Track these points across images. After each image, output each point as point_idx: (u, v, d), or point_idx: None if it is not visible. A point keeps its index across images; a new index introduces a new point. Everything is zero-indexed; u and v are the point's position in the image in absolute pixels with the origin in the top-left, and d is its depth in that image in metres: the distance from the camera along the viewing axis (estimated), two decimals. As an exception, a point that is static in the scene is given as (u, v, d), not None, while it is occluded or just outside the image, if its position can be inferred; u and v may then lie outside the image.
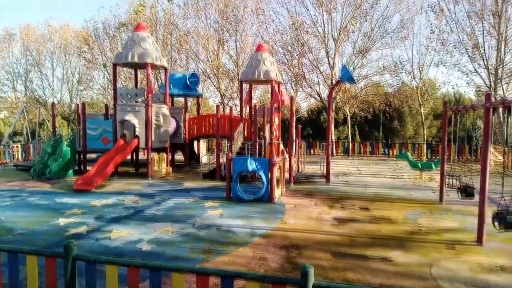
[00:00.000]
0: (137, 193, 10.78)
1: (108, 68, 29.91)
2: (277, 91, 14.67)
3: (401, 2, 25.23)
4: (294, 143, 13.54)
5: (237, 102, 25.19)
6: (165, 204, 9.27)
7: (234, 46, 28.14)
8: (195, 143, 18.49)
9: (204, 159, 17.94)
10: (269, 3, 29.01)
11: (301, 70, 26.36)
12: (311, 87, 27.15)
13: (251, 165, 9.75)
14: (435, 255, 5.77)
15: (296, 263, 5.34)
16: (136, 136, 13.81)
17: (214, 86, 28.83)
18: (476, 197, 7.06)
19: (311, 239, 6.51)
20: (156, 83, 26.20)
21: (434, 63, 25.39)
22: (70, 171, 13.75)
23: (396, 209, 8.89)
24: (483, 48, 21.99)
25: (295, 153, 13.98)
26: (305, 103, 33.94)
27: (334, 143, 24.58)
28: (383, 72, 26.05)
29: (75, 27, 36.88)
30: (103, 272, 3.29)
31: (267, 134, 13.81)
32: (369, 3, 24.48)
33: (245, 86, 16.10)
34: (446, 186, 9.23)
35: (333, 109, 27.27)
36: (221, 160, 13.66)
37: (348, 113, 28.21)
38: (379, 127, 34.02)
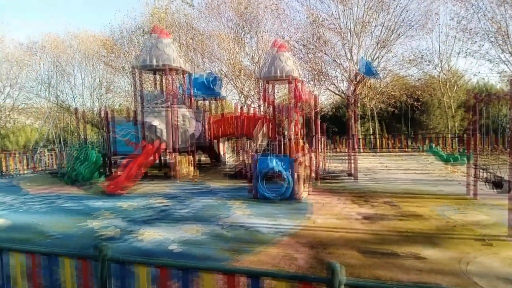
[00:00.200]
0: (165, 195, 10.99)
1: (128, 72, 30.68)
2: (299, 89, 14.60)
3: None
4: (318, 141, 13.43)
5: (259, 102, 25.23)
6: (192, 205, 9.41)
7: (253, 46, 28.24)
8: (219, 144, 18.66)
9: (228, 159, 18.07)
10: (288, 1, 28.87)
11: (322, 67, 26.09)
12: (334, 84, 26.83)
13: (276, 164, 9.75)
14: (468, 250, 5.58)
15: (324, 261, 5.30)
16: (163, 140, 14.09)
17: (235, 86, 29.02)
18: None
19: (339, 237, 6.44)
20: (181, 87, 26.64)
21: (462, 54, 24.57)
22: (97, 174, 14.19)
23: (427, 205, 8.65)
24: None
25: (320, 151, 13.87)
26: (328, 101, 33.57)
27: (360, 139, 24.19)
28: (408, 65, 25.41)
29: (94, 33, 37.87)
30: (134, 273, 3.38)
31: (290, 132, 13.76)
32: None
33: (267, 85, 16.11)
34: (480, 180, 8.91)
35: (358, 105, 26.83)
36: (245, 160, 13.73)
37: (374, 109, 27.68)
38: (407, 121, 33.19)
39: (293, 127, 13.57)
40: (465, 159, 13.48)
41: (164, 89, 16.77)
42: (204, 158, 19.74)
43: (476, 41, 22.67)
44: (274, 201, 9.56)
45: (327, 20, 25.03)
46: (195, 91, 17.21)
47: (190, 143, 15.10)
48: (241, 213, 8.41)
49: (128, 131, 15.00)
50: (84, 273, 3.55)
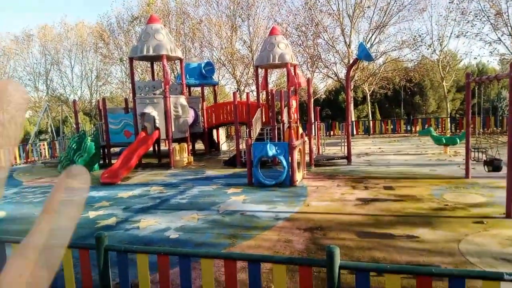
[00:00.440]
0: (161, 183, 11.01)
1: (124, 62, 30.33)
2: (293, 74, 14.53)
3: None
4: (313, 125, 13.46)
5: (253, 87, 25.13)
6: (189, 193, 9.45)
7: (247, 31, 27.94)
8: (214, 131, 18.63)
9: (224, 146, 18.08)
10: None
11: (316, 51, 25.95)
12: (327, 67, 26.74)
13: (271, 150, 9.78)
14: (462, 230, 5.68)
15: (321, 244, 5.38)
16: (157, 128, 14.03)
17: (230, 73, 28.80)
18: (504, 170, 6.87)
19: (335, 220, 6.52)
20: (172, 74, 26.39)
21: (455, 34, 24.52)
22: (96, 165, 14.15)
23: (421, 186, 8.77)
24: (506, 14, 21.02)
25: (315, 135, 13.91)
26: (322, 84, 33.57)
27: (354, 122, 24.26)
28: (402, 46, 25.35)
29: (89, 24, 37.42)
30: (134, 261, 3.42)
31: (285, 118, 13.76)
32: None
33: (261, 71, 15.99)
34: (472, 160, 9.02)
35: (352, 88, 26.83)
36: (240, 146, 13.75)
37: (368, 91, 27.70)
38: (400, 103, 33.30)
39: (291, 113, 13.55)
40: (457, 139, 13.62)
41: (156, 77, 16.61)
42: (200, 146, 19.73)
43: (475, 24, 22.62)
44: (270, 186, 9.63)
45: (326, 5, 24.83)
46: (189, 78, 17.06)
47: (185, 130, 15.06)
48: (238, 199, 8.46)
49: (123, 120, 14.91)
50: (84, 262, 3.58)
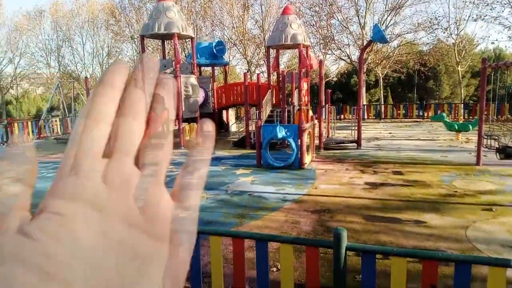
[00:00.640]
0: (171, 162, 11.08)
1: (135, 40, 30.19)
2: (305, 55, 14.33)
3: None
4: (323, 108, 13.35)
5: (264, 68, 24.91)
6: (198, 172, 9.52)
7: (259, 10, 27.50)
8: (224, 112, 18.61)
9: (233, 127, 18.09)
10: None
11: (329, 32, 25.49)
12: (340, 49, 26.30)
13: (280, 132, 9.76)
14: (471, 217, 5.67)
15: (328, 226, 5.42)
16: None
17: (241, 53, 28.53)
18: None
19: (343, 204, 6.55)
20: (183, 53, 26.25)
21: (472, 18, 23.81)
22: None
23: (431, 172, 8.71)
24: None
25: (325, 118, 13.82)
26: (334, 66, 33.06)
27: (365, 106, 24.00)
28: (417, 29, 24.74)
29: (101, 0, 37.18)
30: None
31: (295, 100, 13.66)
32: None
33: (272, 52, 15.80)
34: (484, 147, 8.91)
35: (364, 71, 26.42)
36: (250, 128, 13.74)
37: (380, 75, 27.25)
38: (413, 88, 32.73)
39: (302, 96, 13.44)
40: (470, 126, 13.41)
41: (167, 56, 16.53)
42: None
43: (495, 7, 21.89)
44: (279, 168, 9.66)
45: None
46: (200, 58, 16.94)
47: (196, 110, 15.07)
48: (246, 180, 8.53)
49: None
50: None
